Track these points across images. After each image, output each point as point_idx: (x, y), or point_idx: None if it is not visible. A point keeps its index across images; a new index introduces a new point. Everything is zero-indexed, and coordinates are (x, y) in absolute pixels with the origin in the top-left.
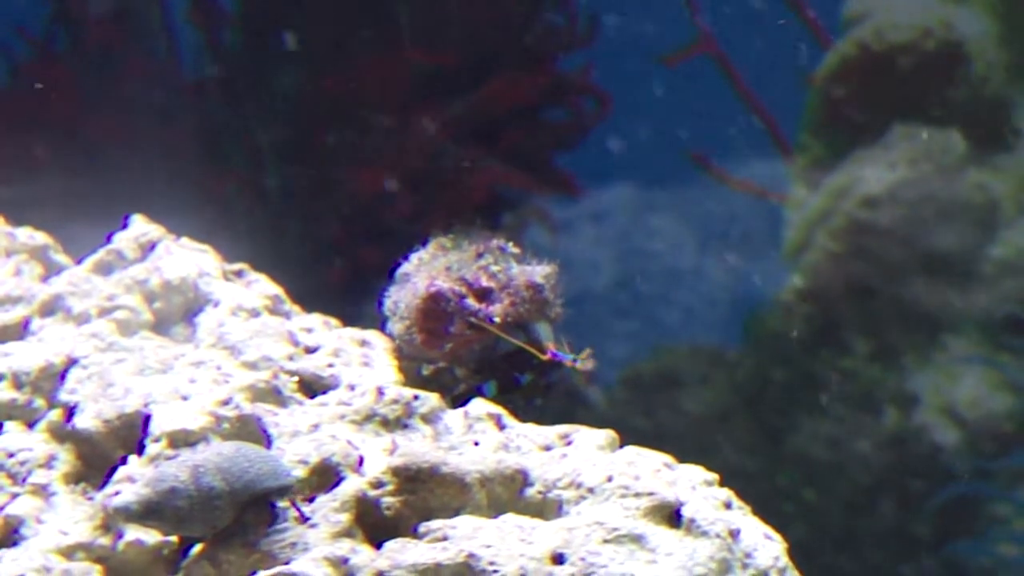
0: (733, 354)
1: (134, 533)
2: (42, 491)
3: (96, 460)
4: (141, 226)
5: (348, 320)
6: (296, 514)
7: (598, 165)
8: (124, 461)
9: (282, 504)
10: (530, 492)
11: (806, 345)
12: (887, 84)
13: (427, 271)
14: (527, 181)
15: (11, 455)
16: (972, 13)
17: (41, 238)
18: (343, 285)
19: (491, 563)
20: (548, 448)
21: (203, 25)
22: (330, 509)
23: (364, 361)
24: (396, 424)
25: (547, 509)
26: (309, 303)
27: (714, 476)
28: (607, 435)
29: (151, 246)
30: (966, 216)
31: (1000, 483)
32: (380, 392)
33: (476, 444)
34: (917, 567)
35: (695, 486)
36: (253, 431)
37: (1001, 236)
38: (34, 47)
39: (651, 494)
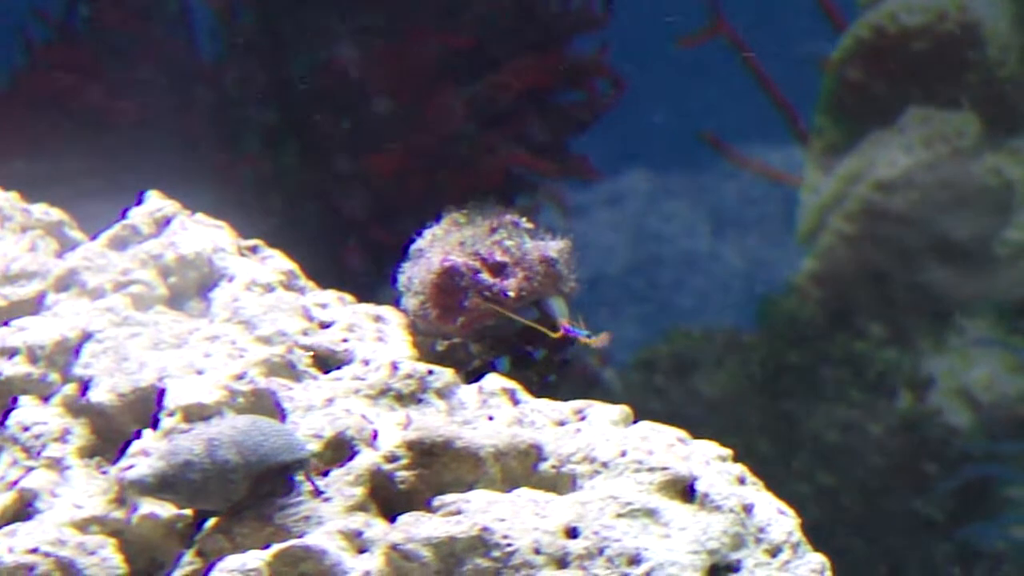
0: (747, 337)
1: (148, 506)
2: (57, 465)
3: (111, 434)
4: (156, 202)
5: (363, 298)
6: (310, 488)
7: (613, 148)
8: (139, 435)
9: (296, 478)
10: (544, 466)
11: (820, 328)
12: (902, 67)
13: (441, 246)
14: (541, 164)
15: (26, 429)
16: None
17: (56, 214)
18: (358, 265)
19: (504, 536)
20: (562, 423)
21: (219, 6)
22: (344, 483)
23: (378, 336)
24: (410, 399)
25: (561, 483)
26: (324, 282)
27: (728, 451)
28: (621, 410)
29: (166, 221)
30: (981, 199)
31: (1014, 465)
32: (394, 367)
33: (490, 419)
34: (931, 549)
35: (709, 461)
36: (267, 405)
37: (1016, 219)
38: (51, 28)
39: (665, 469)
